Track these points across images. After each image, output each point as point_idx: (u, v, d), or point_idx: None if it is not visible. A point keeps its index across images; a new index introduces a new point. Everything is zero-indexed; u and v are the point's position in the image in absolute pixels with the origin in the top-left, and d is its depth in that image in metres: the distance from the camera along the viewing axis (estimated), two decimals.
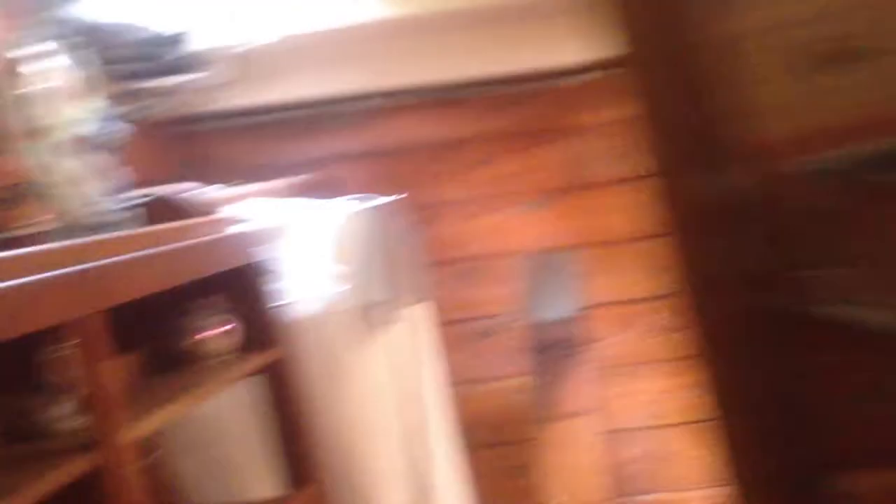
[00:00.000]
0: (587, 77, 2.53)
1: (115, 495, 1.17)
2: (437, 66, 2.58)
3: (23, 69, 1.28)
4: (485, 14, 2.43)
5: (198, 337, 1.63)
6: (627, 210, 2.53)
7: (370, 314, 2.01)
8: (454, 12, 2.40)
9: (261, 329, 1.74)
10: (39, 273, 1.12)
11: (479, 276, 2.69)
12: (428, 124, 2.67)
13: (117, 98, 1.92)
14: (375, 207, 2.07)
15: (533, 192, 2.68)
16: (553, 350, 2.70)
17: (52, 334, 1.24)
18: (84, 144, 1.47)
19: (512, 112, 2.66)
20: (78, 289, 1.17)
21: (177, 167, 2.48)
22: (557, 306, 2.69)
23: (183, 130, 2.57)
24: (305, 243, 1.94)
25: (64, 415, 1.23)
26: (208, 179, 2.03)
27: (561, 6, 2.30)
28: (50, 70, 1.40)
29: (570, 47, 2.30)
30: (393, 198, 2.19)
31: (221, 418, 1.97)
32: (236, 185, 2.08)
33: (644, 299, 2.63)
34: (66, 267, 1.17)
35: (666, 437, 2.68)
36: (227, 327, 1.68)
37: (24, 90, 1.28)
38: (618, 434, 2.69)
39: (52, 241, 1.25)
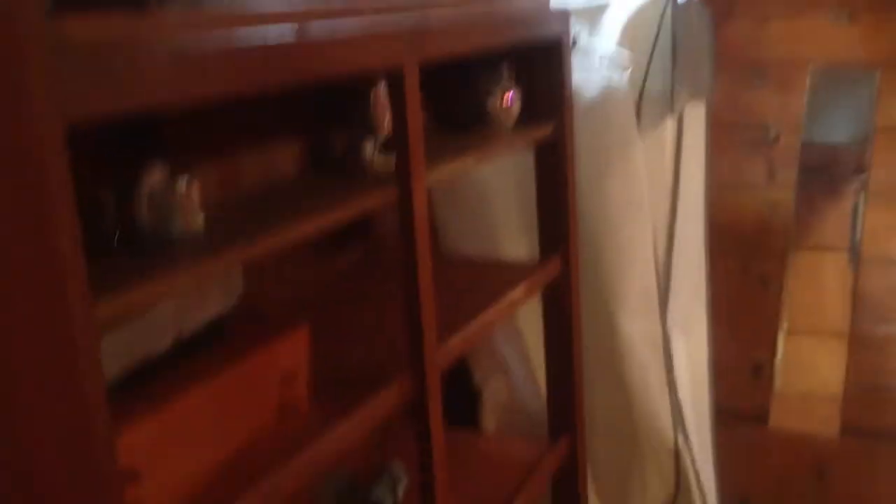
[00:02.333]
0: None
1: (409, 229, 1.31)
2: None
3: None
4: None
5: (486, 100, 1.68)
6: None
7: (649, 103, 2.01)
8: None
9: (542, 102, 1.77)
10: (370, 15, 1.20)
11: (763, 81, 2.58)
12: None
13: None
14: None
15: (841, 2, 2.48)
16: (823, 172, 2.59)
17: (373, 78, 1.35)
18: None
19: None
20: (405, 36, 1.25)
21: None
22: (840, 127, 2.56)
23: None
24: (599, 24, 1.93)
25: (373, 151, 1.36)
26: None
27: None
28: None
29: None
30: None
31: (489, 179, 2.09)
32: None
33: None
34: (392, 12, 1.25)
35: None
36: (512, 95, 1.73)
37: None
38: (875, 263, 2.60)
39: None
